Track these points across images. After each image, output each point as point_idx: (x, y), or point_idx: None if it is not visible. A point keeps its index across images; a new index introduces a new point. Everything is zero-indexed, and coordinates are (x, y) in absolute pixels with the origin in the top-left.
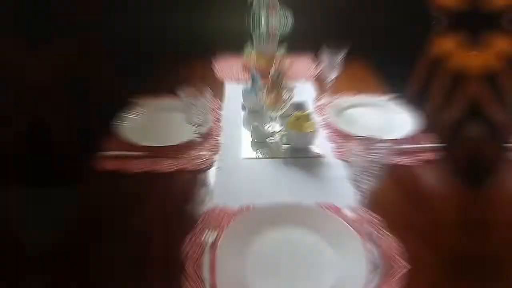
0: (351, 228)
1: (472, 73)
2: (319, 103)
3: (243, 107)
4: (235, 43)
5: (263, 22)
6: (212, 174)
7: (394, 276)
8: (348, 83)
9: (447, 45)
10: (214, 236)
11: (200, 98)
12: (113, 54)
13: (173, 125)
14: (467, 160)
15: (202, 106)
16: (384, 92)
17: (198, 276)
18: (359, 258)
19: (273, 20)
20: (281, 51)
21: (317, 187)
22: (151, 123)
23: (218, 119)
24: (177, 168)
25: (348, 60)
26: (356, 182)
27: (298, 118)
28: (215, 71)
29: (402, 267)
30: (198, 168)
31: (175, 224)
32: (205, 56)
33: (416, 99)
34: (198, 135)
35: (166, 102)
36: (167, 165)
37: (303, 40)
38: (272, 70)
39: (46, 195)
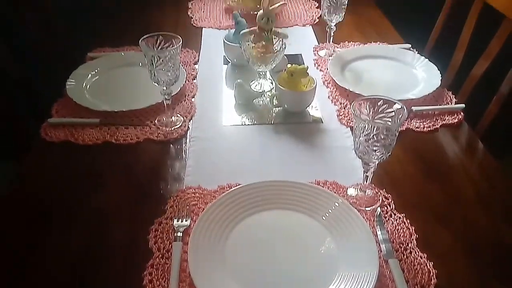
0: (354, 209)
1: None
2: (319, 54)
3: (225, 60)
4: None
5: None
6: (185, 145)
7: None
8: (355, 29)
9: None
10: (187, 223)
11: (169, 49)
12: None
13: (138, 85)
14: (494, 124)
15: (172, 59)
16: (398, 41)
17: (166, 269)
18: (364, 245)
19: None
20: None
21: (314, 159)
22: (110, 83)
23: (193, 75)
24: (142, 138)
25: (355, 1)
26: (361, 152)
27: (292, 74)
28: (191, 14)
29: (415, 255)
30: (168, 137)
31: (140, 207)
32: None
33: (437, 49)
34: (168, 97)
35: (129, 55)
36: (130, 134)
37: None
38: (261, 13)
39: None
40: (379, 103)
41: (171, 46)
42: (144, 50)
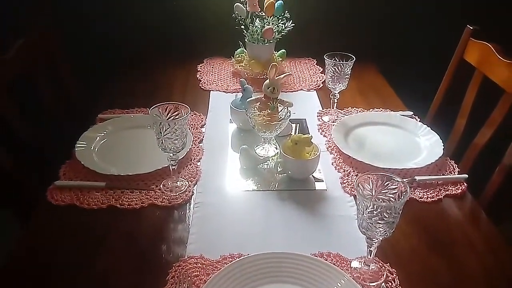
0: (358, 285)
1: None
2: (323, 120)
3: (231, 122)
4: (224, 45)
5: (257, 20)
6: (189, 212)
7: None
8: (358, 95)
9: (480, 52)
10: None
11: (177, 119)
12: (73, 56)
13: (145, 148)
14: (499, 195)
15: (179, 128)
16: (400, 108)
17: None
18: None
19: (269, 18)
20: (279, 55)
21: (318, 229)
22: (118, 145)
23: (200, 138)
24: (147, 202)
25: (359, 68)
26: (364, 228)
27: (296, 143)
28: (199, 77)
29: None
30: (173, 203)
31: (141, 275)
32: (188, 61)
33: (439, 117)
34: (174, 162)
35: (138, 118)
36: (135, 198)
37: (305, 43)
38: (267, 82)
39: None
40: (382, 179)
41: (179, 115)
42: (153, 118)
